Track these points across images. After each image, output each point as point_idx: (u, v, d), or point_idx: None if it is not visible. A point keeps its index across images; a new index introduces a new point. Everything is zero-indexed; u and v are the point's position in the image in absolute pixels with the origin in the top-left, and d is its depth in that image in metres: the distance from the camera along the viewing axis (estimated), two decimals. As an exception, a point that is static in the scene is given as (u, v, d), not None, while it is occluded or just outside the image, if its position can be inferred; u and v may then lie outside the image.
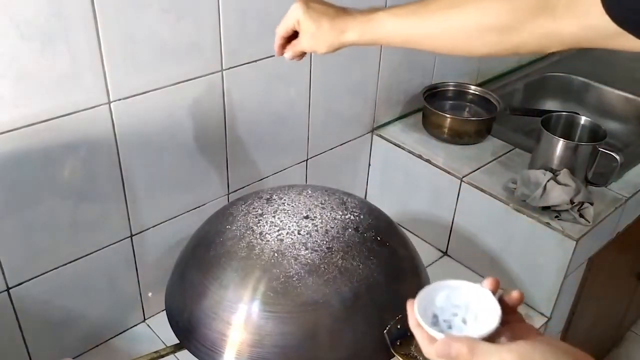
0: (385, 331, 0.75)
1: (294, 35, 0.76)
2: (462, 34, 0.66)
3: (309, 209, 0.83)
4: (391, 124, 1.32)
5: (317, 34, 0.73)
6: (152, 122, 0.89)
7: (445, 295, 0.57)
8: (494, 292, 0.56)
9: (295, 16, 0.73)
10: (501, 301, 0.55)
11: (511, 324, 0.55)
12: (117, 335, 1.03)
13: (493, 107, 1.31)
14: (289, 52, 0.77)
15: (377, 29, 0.71)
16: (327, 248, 0.77)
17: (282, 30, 0.76)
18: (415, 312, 0.55)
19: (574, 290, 1.19)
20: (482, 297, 0.56)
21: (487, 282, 0.57)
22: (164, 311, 0.85)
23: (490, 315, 0.54)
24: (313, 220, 0.81)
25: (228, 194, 1.06)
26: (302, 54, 0.78)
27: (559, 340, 0.50)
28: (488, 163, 1.21)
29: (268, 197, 0.86)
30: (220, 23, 0.90)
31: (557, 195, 1.04)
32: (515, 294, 0.57)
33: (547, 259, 1.08)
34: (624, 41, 0.53)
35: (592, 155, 1.09)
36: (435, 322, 0.55)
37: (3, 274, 0.83)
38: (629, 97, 1.51)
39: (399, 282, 0.81)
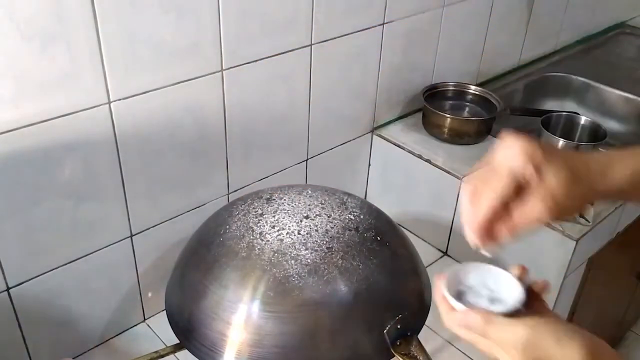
0: (385, 331, 0.75)
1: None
2: None
3: (309, 209, 0.83)
4: (391, 124, 1.32)
5: (571, 187, 0.49)
6: (152, 122, 0.89)
7: (476, 276, 0.62)
8: (520, 279, 0.59)
9: (530, 159, 0.48)
10: (529, 289, 0.58)
11: (534, 309, 0.57)
12: (117, 335, 1.03)
13: (493, 107, 1.31)
14: (518, 227, 0.53)
15: None
16: (327, 248, 0.77)
17: (504, 190, 0.50)
18: (442, 284, 0.59)
19: (574, 290, 1.19)
20: (509, 281, 0.59)
21: (515, 269, 0.59)
22: (164, 311, 0.85)
23: (514, 298, 0.57)
24: (313, 220, 0.81)
25: (228, 194, 1.06)
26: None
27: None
28: (488, 163, 1.21)
29: (268, 197, 0.86)
30: (220, 23, 0.90)
31: (557, 195, 1.04)
32: (540, 282, 0.59)
33: (547, 259, 1.07)
34: None
35: (592, 155, 1.09)
36: (459, 297, 0.59)
37: (3, 274, 0.83)
38: (629, 97, 1.51)
39: (399, 282, 0.81)
